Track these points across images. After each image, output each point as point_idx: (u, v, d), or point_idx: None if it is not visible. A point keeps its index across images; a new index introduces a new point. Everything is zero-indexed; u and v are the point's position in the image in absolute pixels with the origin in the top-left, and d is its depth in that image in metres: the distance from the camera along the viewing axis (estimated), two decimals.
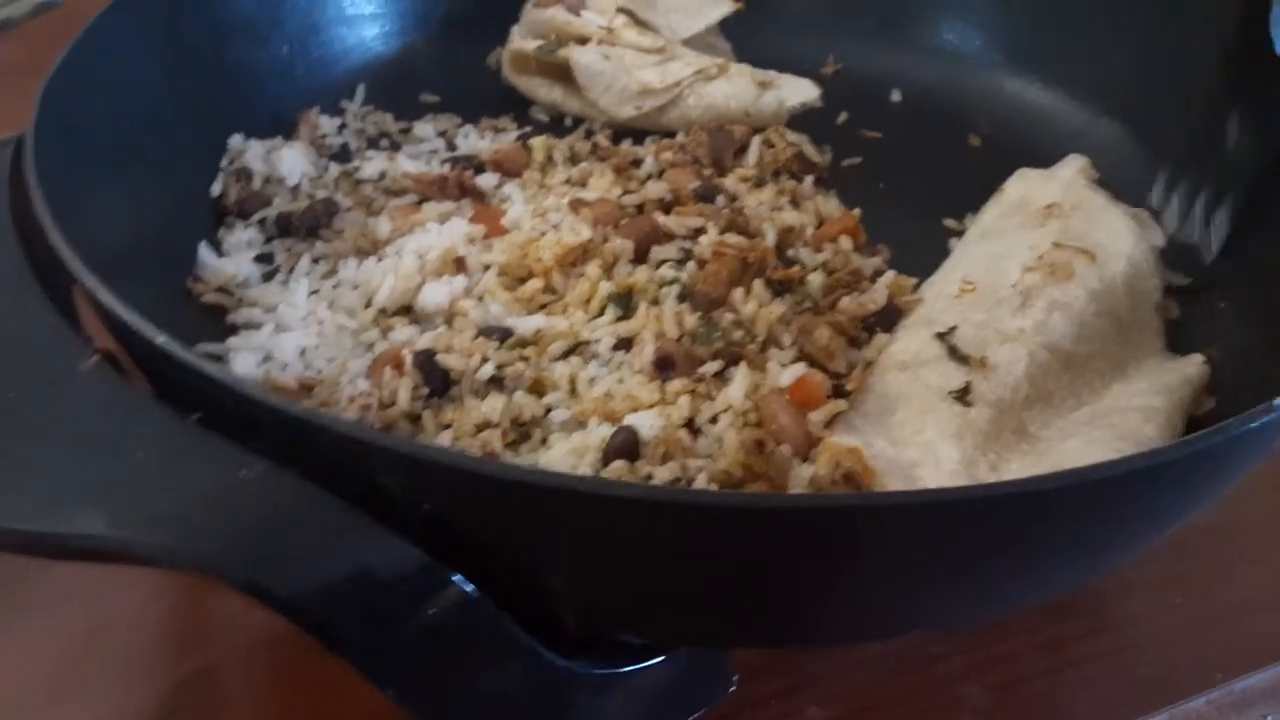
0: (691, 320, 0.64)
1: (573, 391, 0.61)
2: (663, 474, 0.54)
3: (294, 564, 0.36)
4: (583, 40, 0.85)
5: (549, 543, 0.39)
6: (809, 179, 0.79)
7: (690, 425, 0.59)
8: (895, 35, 0.89)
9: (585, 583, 0.42)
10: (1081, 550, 0.43)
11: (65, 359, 0.43)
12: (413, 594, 0.38)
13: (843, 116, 0.86)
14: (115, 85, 0.64)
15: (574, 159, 0.81)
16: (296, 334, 0.64)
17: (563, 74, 0.85)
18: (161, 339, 0.40)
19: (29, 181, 0.51)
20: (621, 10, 0.86)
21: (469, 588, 0.39)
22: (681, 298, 0.65)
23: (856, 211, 0.74)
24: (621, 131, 0.85)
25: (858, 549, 0.36)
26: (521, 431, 0.59)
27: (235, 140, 0.76)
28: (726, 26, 0.92)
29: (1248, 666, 0.57)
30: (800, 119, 0.85)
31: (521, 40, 0.87)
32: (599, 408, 0.59)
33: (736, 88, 0.84)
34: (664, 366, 0.62)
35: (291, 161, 0.75)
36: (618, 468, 0.54)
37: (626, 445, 0.55)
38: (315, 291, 0.68)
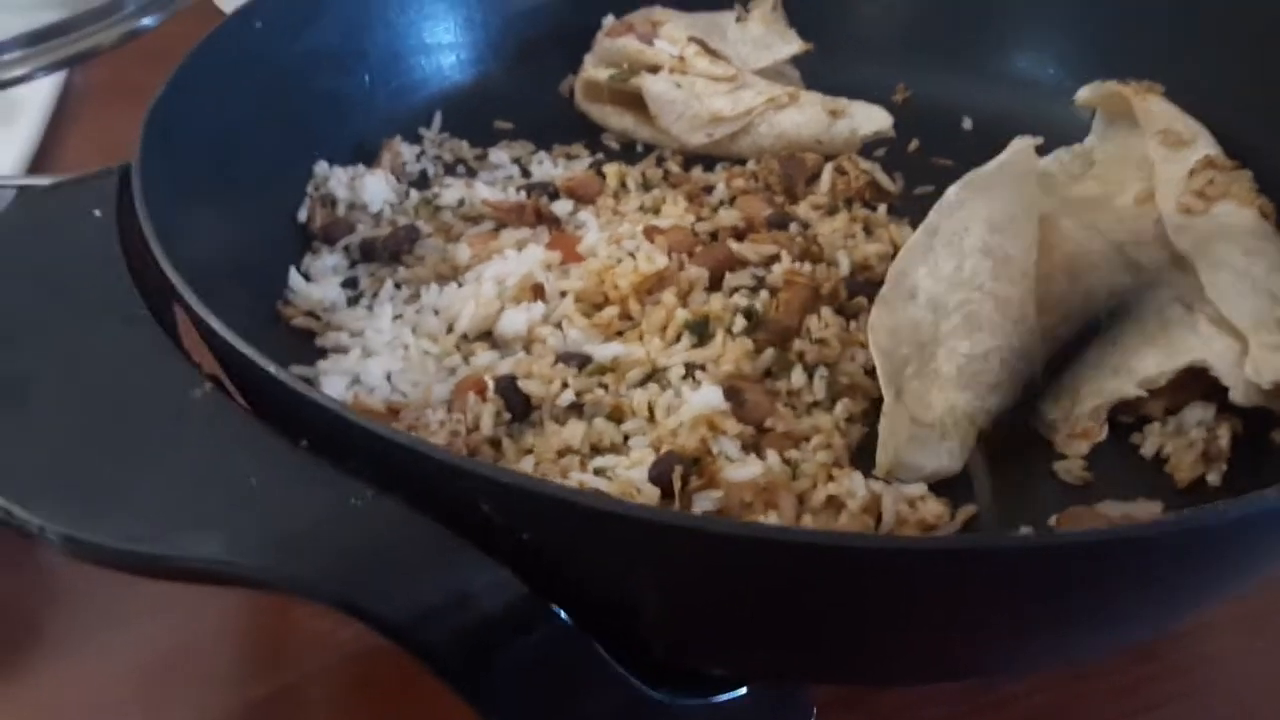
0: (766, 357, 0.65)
1: (651, 418, 0.62)
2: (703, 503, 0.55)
3: (407, 591, 0.37)
4: (654, 69, 0.86)
5: (647, 575, 0.40)
6: (882, 207, 0.79)
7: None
8: (965, 63, 0.89)
9: (677, 616, 0.42)
10: (1192, 592, 0.42)
11: (177, 385, 0.44)
12: (515, 624, 0.38)
13: (914, 144, 0.86)
14: (212, 113, 0.66)
15: (647, 185, 0.82)
16: (382, 358, 0.65)
17: (634, 102, 0.87)
18: (273, 368, 0.42)
19: (137, 208, 0.52)
20: (693, 40, 0.87)
21: (566, 619, 0.40)
22: (753, 327, 0.66)
23: None
24: (692, 158, 0.85)
25: (958, 593, 0.37)
26: None
27: (320, 167, 0.78)
28: (795, 55, 0.92)
29: None
30: (871, 147, 0.86)
31: (594, 69, 0.88)
32: (674, 435, 0.60)
33: (808, 116, 0.84)
34: (731, 397, 0.62)
35: (374, 188, 0.77)
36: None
37: (663, 477, 0.56)
38: (399, 316, 0.69)
